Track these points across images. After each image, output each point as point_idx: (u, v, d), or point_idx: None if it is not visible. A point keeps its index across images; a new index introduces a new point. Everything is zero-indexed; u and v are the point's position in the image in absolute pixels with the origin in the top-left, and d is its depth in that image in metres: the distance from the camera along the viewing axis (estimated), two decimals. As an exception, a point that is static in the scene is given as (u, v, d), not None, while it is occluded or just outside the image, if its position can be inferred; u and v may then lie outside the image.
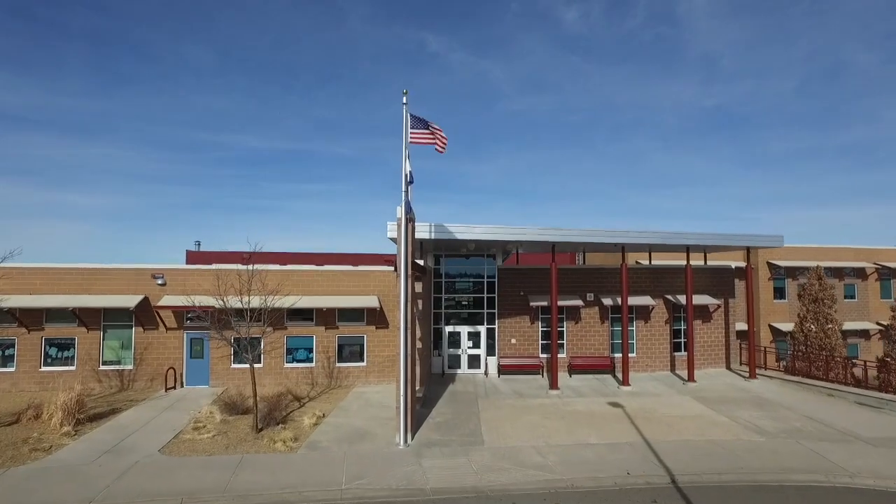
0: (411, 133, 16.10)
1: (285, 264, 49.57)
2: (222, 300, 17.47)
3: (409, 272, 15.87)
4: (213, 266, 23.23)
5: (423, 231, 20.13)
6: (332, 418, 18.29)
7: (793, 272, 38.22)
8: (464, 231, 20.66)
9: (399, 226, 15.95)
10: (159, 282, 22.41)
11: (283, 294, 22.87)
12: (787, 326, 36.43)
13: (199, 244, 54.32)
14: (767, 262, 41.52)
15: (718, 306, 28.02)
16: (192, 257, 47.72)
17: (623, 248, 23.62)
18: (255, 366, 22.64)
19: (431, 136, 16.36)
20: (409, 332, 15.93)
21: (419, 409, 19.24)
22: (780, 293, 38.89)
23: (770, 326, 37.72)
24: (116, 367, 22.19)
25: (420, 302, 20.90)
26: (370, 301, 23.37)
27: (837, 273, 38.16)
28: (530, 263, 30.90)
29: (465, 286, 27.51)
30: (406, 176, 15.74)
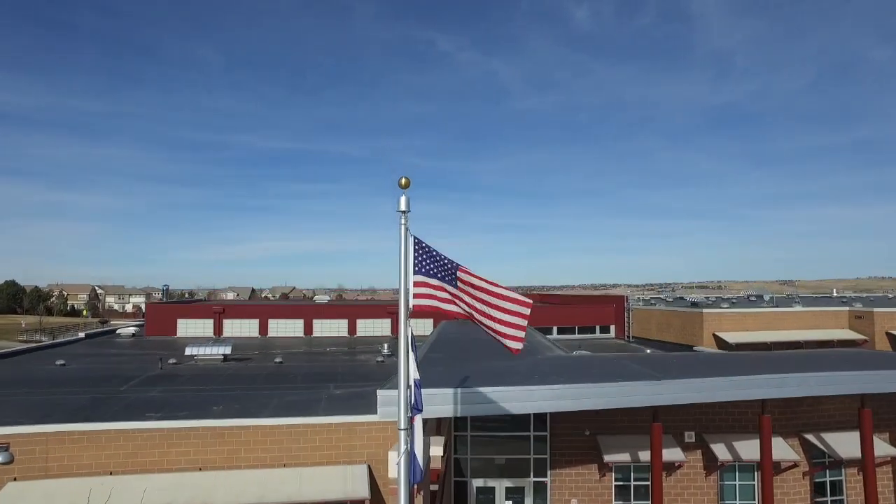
0: (415, 285, 7.05)
1: (266, 320, 41.02)
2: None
3: None
4: (103, 425, 14.52)
5: (441, 404, 11.22)
6: None
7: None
8: (518, 399, 11.66)
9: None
10: (1, 458, 13.65)
11: (218, 466, 14.58)
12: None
13: (166, 289, 45.54)
14: (886, 333, 34.02)
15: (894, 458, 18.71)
16: (153, 312, 38.94)
17: (763, 404, 14.50)
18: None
19: (448, 294, 7.25)
20: None
21: None
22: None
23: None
24: None
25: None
26: (353, 482, 14.39)
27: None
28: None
29: (502, 421, 18.50)
30: (408, 388, 6.74)
